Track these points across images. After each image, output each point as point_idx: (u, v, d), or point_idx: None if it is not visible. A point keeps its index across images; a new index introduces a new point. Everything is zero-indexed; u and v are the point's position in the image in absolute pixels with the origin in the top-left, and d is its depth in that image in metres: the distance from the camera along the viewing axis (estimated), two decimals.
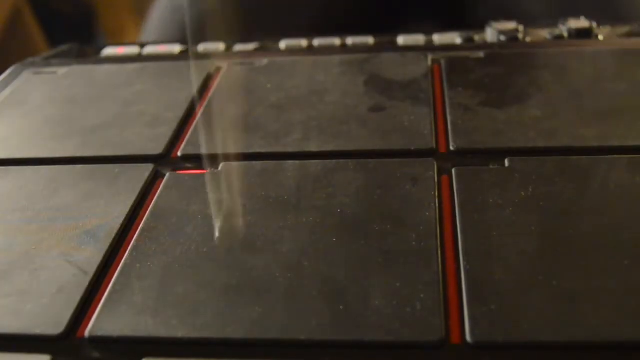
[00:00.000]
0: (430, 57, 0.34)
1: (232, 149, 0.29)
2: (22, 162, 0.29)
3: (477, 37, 0.38)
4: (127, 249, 0.24)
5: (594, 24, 0.37)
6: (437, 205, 0.24)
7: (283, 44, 0.40)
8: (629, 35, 0.38)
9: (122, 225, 0.25)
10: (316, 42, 0.40)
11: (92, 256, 0.23)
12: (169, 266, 0.22)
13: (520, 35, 0.37)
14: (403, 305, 0.20)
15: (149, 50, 0.41)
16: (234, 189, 0.26)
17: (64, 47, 0.43)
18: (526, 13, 0.53)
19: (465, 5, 0.57)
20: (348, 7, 0.59)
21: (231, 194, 0.26)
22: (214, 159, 0.28)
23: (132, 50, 0.41)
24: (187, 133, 0.30)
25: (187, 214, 0.25)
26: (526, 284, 0.21)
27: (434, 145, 0.28)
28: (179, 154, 0.29)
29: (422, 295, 0.20)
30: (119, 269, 0.23)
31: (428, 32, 0.40)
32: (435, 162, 0.26)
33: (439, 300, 0.20)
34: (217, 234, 0.24)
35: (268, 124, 0.30)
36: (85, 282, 0.22)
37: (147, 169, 0.28)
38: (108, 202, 0.26)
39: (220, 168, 0.27)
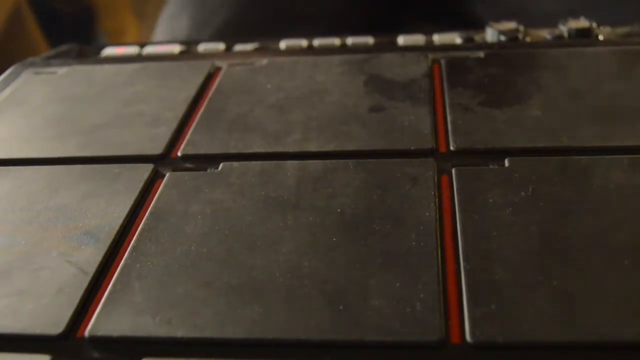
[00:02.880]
0: (430, 57, 0.34)
1: (232, 148, 0.29)
2: (22, 162, 0.29)
3: (477, 37, 0.38)
4: (127, 249, 0.24)
5: (594, 24, 0.37)
6: (437, 205, 0.24)
7: (283, 44, 0.40)
8: (629, 35, 0.38)
9: (122, 225, 0.25)
10: (316, 42, 0.40)
11: (92, 256, 0.23)
12: (169, 266, 0.22)
13: (520, 35, 0.37)
14: (403, 305, 0.20)
15: (149, 50, 0.41)
16: (233, 188, 0.26)
17: (64, 47, 0.43)
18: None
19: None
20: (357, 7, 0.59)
21: (231, 194, 0.26)
22: (213, 159, 0.28)
23: (132, 50, 0.41)
24: (187, 133, 0.30)
25: (187, 214, 0.25)
26: (526, 284, 0.21)
27: (434, 145, 0.28)
28: (179, 154, 0.29)
29: (422, 295, 0.20)
30: (119, 269, 0.23)
31: (428, 32, 0.40)
32: (435, 162, 0.26)
33: (439, 300, 0.20)
34: (217, 234, 0.24)
35: (268, 124, 0.30)
36: (85, 282, 0.22)
37: (147, 169, 0.28)
38: (108, 202, 0.26)
39: (220, 168, 0.27)
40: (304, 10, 0.57)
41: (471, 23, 0.39)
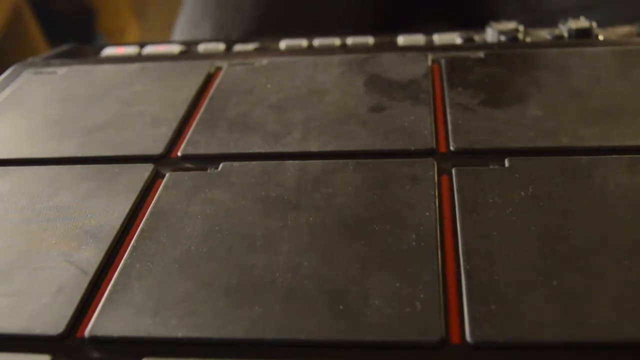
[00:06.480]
0: (430, 57, 0.34)
1: (232, 148, 0.29)
2: (22, 162, 0.29)
3: (477, 37, 0.38)
4: (127, 249, 0.24)
5: (594, 24, 0.37)
6: (437, 205, 0.24)
7: (283, 44, 0.40)
8: (629, 35, 0.38)
9: (122, 225, 0.25)
10: (316, 42, 0.40)
11: (92, 256, 0.23)
12: (169, 266, 0.23)
13: (520, 35, 0.37)
14: (403, 305, 0.20)
15: (149, 50, 0.41)
16: (233, 188, 0.26)
17: (64, 47, 0.43)
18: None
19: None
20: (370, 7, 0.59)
21: (231, 194, 0.26)
22: (213, 159, 0.28)
23: (132, 50, 0.41)
24: (187, 133, 0.30)
25: (187, 214, 0.25)
26: (526, 284, 0.21)
27: (434, 145, 0.28)
28: (179, 154, 0.29)
29: (422, 295, 0.20)
30: (119, 269, 0.23)
31: (428, 32, 0.40)
32: (435, 162, 0.26)
33: (439, 300, 0.20)
34: (217, 234, 0.24)
35: (268, 124, 0.30)
36: (85, 282, 0.22)
37: (147, 169, 0.28)
38: (108, 202, 0.26)
39: (220, 168, 0.27)
40: (324, 11, 0.57)
41: (486, 20, 0.39)
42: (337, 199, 0.25)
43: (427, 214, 0.24)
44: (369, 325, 0.20)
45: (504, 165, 0.26)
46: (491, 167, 0.26)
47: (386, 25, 0.58)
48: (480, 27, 0.39)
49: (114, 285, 0.22)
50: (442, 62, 0.34)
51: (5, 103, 0.35)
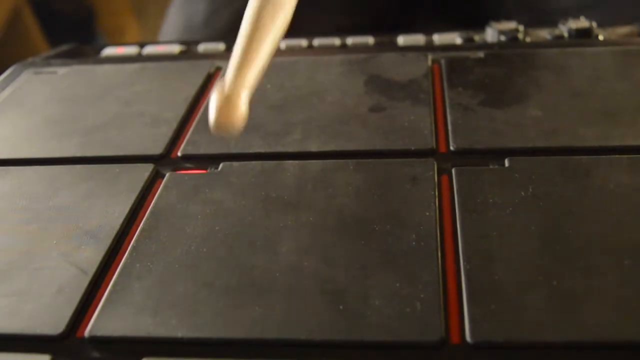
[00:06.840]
0: (430, 57, 0.34)
1: (232, 148, 0.29)
2: (22, 162, 0.29)
3: (477, 37, 0.38)
4: (127, 249, 0.24)
5: (594, 24, 0.37)
6: (437, 205, 0.24)
7: (283, 44, 0.40)
8: (629, 35, 0.38)
9: (122, 225, 0.25)
10: (316, 42, 0.40)
11: (92, 256, 0.23)
12: (169, 266, 0.23)
13: (520, 35, 0.37)
14: (403, 305, 0.20)
15: (149, 50, 0.41)
16: (233, 188, 0.26)
17: (64, 47, 0.43)
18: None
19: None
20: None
21: (231, 194, 0.26)
22: (213, 159, 0.28)
23: (132, 50, 0.41)
24: (187, 133, 0.30)
25: (187, 214, 0.25)
26: (526, 284, 0.21)
27: (434, 145, 0.28)
28: (179, 154, 0.29)
29: (422, 295, 0.20)
30: (119, 269, 0.23)
31: (428, 32, 0.40)
32: (435, 162, 0.26)
33: (439, 300, 0.20)
34: (217, 234, 0.24)
35: (268, 124, 0.30)
36: (85, 282, 0.22)
37: (147, 169, 0.28)
38: (108, 202, 0.26)
39: (220, 168, 0.27)
40: (323, 10, 0.57)
41: (486, 20, 0.39)
42: (337, 199, 0.25)
43: (427, 214, 0.24)
44: (369, 325, 0.20)
45: (504, 165, 0.26)
46: (491, 167, 0.26)
47: (386, 25, 0.58)
48: (480, 27, 0.39)
49: (114, 285, 0.22)
50: (442, 62, 0.34)
51: (5, 103, 0.35)
